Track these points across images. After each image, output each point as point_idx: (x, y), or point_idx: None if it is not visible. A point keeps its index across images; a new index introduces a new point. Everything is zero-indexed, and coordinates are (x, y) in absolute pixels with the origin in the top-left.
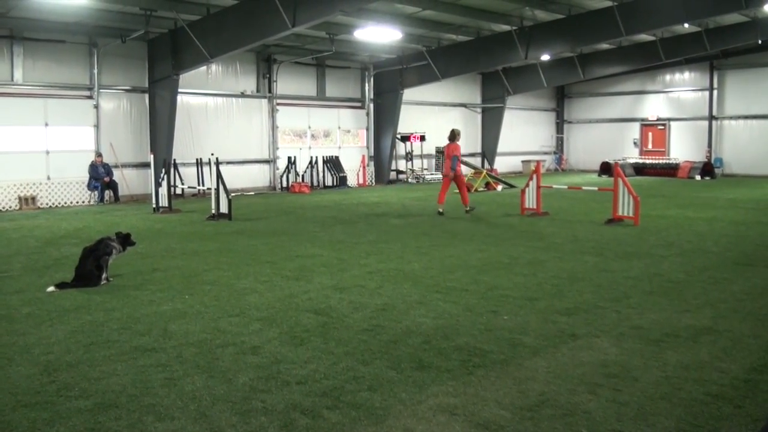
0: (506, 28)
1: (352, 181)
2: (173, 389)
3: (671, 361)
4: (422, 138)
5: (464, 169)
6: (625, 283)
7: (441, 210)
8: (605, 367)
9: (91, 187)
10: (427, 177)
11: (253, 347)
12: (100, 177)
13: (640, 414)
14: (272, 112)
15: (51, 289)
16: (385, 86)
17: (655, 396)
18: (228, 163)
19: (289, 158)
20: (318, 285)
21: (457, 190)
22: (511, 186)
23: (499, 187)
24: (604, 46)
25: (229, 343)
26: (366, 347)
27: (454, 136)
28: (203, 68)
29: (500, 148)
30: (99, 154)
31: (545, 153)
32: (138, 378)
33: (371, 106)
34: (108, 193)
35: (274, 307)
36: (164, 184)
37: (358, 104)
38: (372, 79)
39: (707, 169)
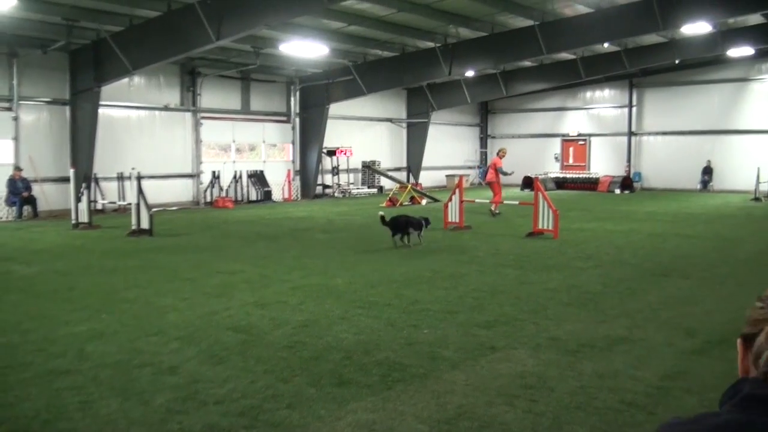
0: (430, 44)
1: (277, 195)
2: (88, 413)
3: (587, 370)
4: (348, 152)
5: (389, 184)
6: (544, 295)
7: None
8: (522, 378)
9: (9, 202)
10: (353, 191)
11: (171, 367)
12: (19, 192)
13: (555, 424)
14: (196, 126)
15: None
16: (312, 100)
17: (571, 405)
18: (150, 177)
19: (213, 172)
20: (239, 302)
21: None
22: (435, 200)
23: (424, 201)
24: (527, 63)
25: (147, 364)
26: (286, 364)
27: (498, 152)
28: (126, 80)
29: (425, 163)
30: (18, 168)
31: (469, 167)
32: (52, 402)
33: (297, 120)
34: (26, 209)
35: (193, 325)
36: (84, 199)
37: (284, 118)
38: (298, 93)
39: (626, 183)
